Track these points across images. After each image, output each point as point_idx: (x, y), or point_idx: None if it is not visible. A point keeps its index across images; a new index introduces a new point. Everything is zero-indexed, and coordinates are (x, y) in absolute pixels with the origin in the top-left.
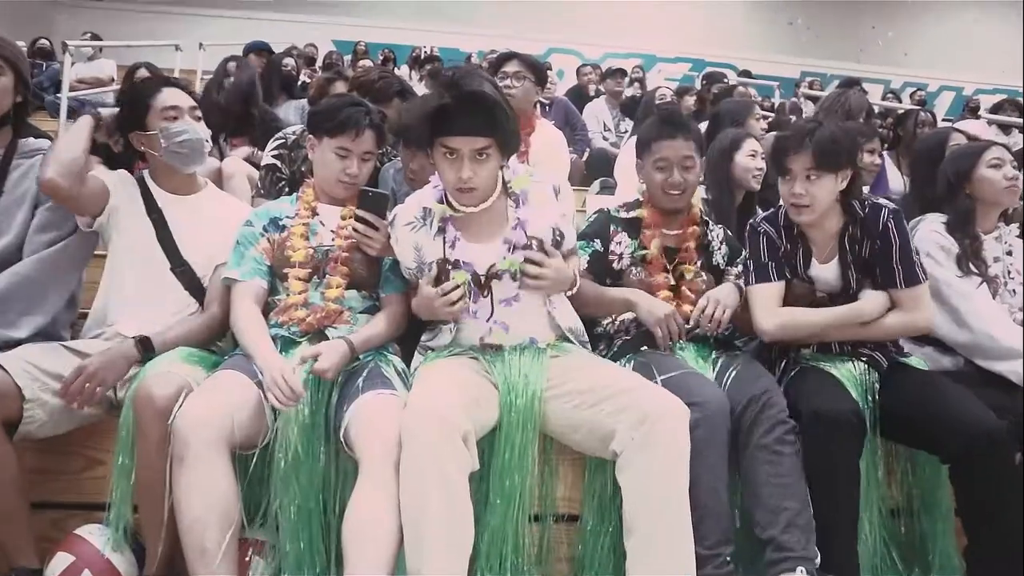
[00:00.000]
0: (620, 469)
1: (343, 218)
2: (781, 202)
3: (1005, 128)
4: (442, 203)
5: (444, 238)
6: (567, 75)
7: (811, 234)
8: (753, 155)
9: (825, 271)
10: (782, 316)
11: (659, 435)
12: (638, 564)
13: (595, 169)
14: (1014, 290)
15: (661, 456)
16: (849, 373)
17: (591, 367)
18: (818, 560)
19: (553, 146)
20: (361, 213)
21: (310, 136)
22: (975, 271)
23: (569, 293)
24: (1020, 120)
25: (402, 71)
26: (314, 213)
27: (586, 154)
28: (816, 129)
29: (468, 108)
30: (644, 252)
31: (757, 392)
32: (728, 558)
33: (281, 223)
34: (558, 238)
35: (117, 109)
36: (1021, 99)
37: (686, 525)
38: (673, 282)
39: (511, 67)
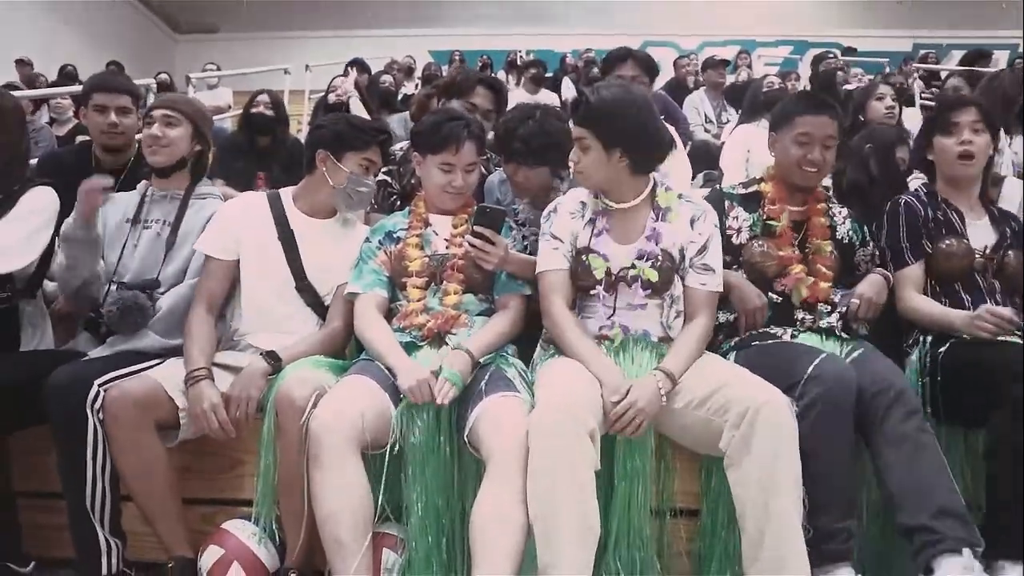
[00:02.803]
0: (727, 467)
1: (455, 227)
2: (940, 164)
3: None
4: (596, 198)
5: (593, 229)
6: (664, 68)
7: (958, 199)
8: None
9: (980, 227)
10: (911, 302)
11: (759, 430)
12: (749, 562)
13: (697, 161)
14: None
15: (763, 452)
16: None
17: (698, 365)
18: (981, 548)
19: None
20: (479, 229)
21: (415, 153)
22: None
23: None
24: None
25: (499, 76)
26: (427, 224)
27: (687, 147)
28: (971, 94)
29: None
30: (773, 224)
31: (885, 381)
32: (851, 530)
33: (396, 235)
34: (679, 257)
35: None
36: None
37: (793, 522)
38: (800, 255)
39: (627, 70)
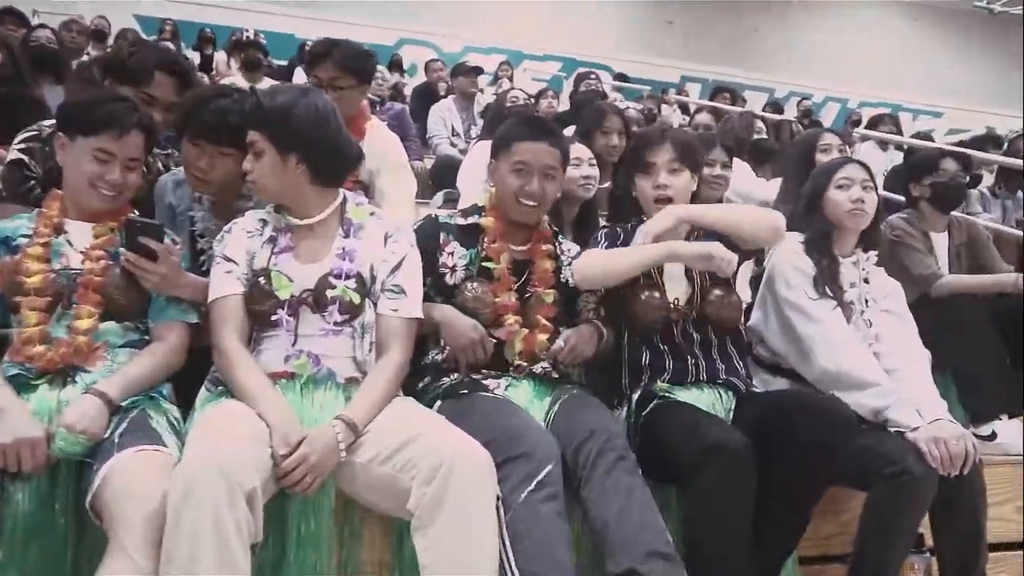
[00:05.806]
0: (414, 531)
1: (96, 236)
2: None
3: (882, 145)
4: (279, 213)
5: (273, 247)
6: (419, 70)
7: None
8: (578, 163)
9: (675, 277)
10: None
11: (453, 488)
12: None
13: (440, 178)
14: (869, 320)
15: (456, 513)
16: (709, 402)
17: (389, 413)
18: None
19: (387, 157)
20: (142, 240)
21: (60, 134)
22: (830, 295)
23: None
24: (898, 136)
25: (219, 57)
26: (58, 231)
27: (430, 162)
28: (669, 128)
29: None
30: (490, 266)
31: (595, 425)
32: None
33: (14, 243)
34: (370, 279)
35: None
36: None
37: None
38: (518, 303)
39: (324, 71)
